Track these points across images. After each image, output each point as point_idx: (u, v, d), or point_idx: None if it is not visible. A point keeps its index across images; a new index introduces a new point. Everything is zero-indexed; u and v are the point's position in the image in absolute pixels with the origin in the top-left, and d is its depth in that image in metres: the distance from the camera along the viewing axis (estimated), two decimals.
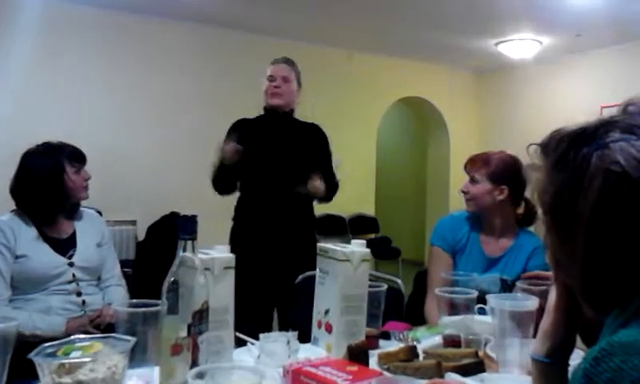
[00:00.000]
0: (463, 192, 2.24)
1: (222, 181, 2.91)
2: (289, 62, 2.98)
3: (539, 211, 0.87)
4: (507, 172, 2.16)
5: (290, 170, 2.85)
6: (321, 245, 1.58)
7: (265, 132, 2.90)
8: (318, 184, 2.80)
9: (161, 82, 6.25)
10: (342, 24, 6.40)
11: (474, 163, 2.23)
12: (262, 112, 2.97)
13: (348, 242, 1.59)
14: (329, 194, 2.91)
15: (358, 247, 1.54)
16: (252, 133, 2.88)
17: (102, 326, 2.10)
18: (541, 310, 1.37)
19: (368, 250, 1.54)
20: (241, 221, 2.93)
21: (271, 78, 2.90)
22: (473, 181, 2.20)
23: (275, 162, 2.85)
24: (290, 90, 2.91)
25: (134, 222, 5.99)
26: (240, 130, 2.87)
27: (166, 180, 6.13)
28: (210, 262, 1.32)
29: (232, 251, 3.09)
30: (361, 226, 7.52)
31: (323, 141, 3.02)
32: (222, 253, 1.38)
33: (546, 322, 0.94)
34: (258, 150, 2.85)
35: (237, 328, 1.42)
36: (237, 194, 2.97)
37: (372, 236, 7.60)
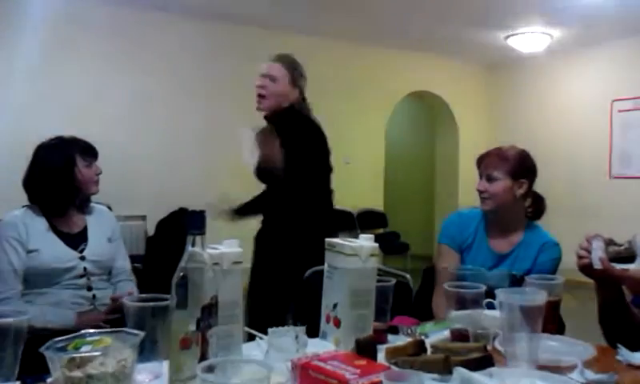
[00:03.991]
0: (480, 191, 2.20)
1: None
2: (284, 59, 2.70)
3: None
4: (525, 165, 2.16)
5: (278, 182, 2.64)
6: (329, 239, 1.58)
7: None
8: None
9: (171, 79, 6.28)
10: (351, 17, 6.39)
11: (490, 161, 2.18)
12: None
13: (356, 237, 1.59)
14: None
15: (366, 242, 1.54)
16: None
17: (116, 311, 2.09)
18: (548, 304, 1.37)
19: (376, 245, 1.54)
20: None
21: (260, 78, 2.67)
22: (490, 179, 2.16)
23: (264, 177, 2.70)
24: (275, 91, 2.64)
25: (143, 217, 6.03)
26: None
27: (175, 176, 6.16)
28: (219, 257, 1.33)
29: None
30: (369, 221, 7.53)
31: (294, 136, 2.57)
32: (230, 247, 1.38)
33: None
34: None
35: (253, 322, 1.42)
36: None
37: (380, 231, 7.61)
